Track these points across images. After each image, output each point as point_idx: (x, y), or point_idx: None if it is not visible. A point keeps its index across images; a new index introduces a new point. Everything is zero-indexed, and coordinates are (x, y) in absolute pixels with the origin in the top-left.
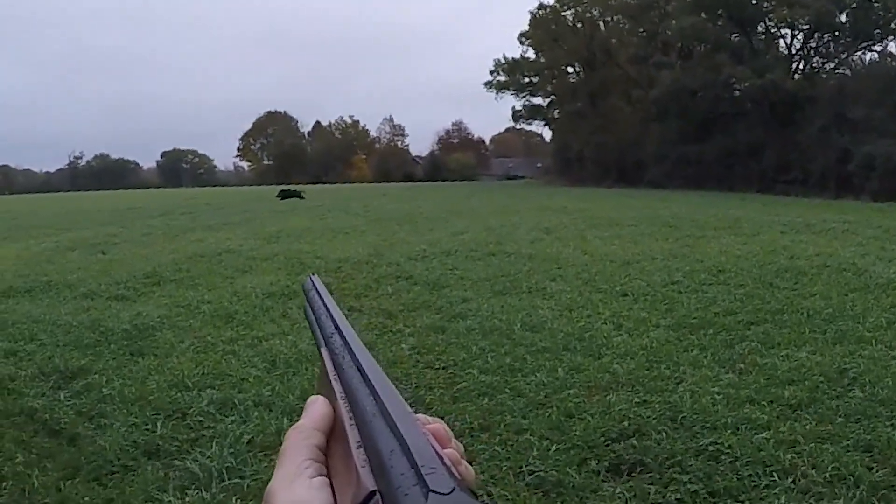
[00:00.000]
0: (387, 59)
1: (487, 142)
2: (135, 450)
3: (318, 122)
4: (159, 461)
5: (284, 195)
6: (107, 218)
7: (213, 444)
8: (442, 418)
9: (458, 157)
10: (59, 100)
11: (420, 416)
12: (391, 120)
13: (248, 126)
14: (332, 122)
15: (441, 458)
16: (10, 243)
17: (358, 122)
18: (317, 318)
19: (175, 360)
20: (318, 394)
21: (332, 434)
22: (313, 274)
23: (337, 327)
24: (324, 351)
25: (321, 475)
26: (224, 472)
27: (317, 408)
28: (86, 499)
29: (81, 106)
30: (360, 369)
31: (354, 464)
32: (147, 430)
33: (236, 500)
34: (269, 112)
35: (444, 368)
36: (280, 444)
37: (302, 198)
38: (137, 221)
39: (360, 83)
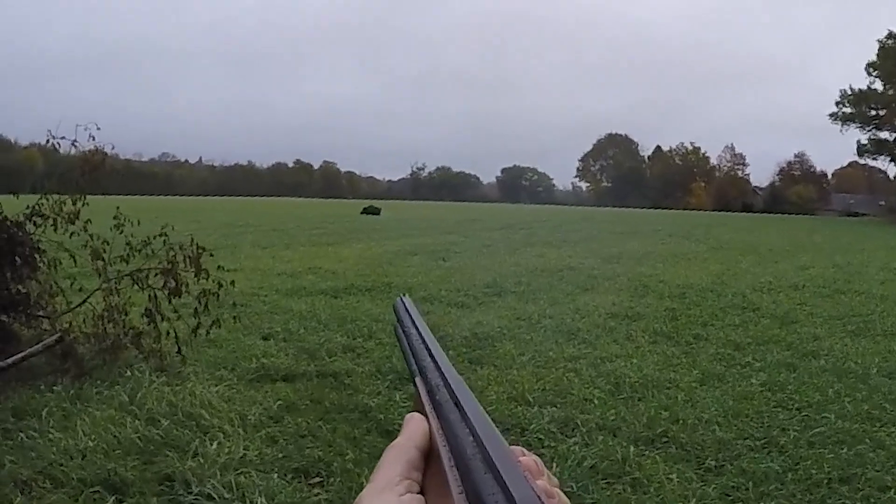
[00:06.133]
0: (730, 87)
1: (829, 176)
2: None
3: (658, 147)
4: None
5: (367, 211)
6: (447, 227)
7: (553, 465)
8: (797, 464)
9: (798, 189)
10: (409, 112)
11: (514, 448)
12: (732, 148)
13: (589, 147)
14: (673, 147)
15: None
16: (353, 244)
17: (699, 148)
18: (409, 344)
19: (515, 372)
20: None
21: (430, 454)
22: (404, 295)
23: (431, 356)
24: (418, 380)
25: (412, 492)
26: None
27: (414, 425)
28: None
29: (428, 120)
30: (457, 404)
31: None
32: None
33: None
34: (610, 134)
35: (797, 409)
36: (624, 472)
37: (379, 213)
38: (478, 233)
39: (703, 110)
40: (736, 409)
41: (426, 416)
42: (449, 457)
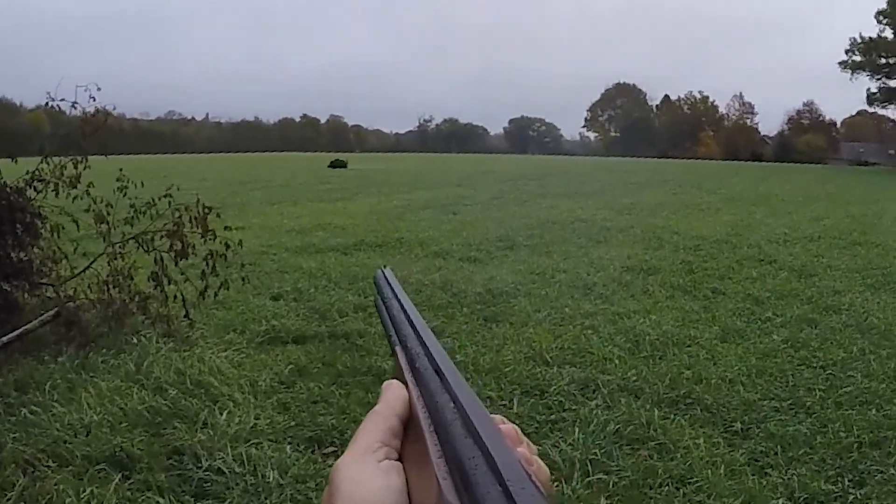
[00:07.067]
0: (739, 36)
1: (839, 125)
2: None
3: (666, 96)
4: None
5: (334, 165)
6: (456, 179)
7: (576, 429)
8: (825, 426)
9: (807, 139)
10: (416, 65)
11: (494, 416)
12: (741, 97)
13: (597, 97)
14: (681, 96)
15: (529, 475)
16: (363, 199)
17: (707, 97)
18: (389, 314)
19: (531, 330)
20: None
21: (409, 421)
22: (385, 266)
23: (412, 325)
24: (398, 349)
25: (391, 459)
26: (588, 463)
27: (392, 392)
28: None
29: (434, 72)
30: (437, 372)
31: (435, 473)
32: (503, 405)
33: (603, 500)
34: (618, 83)
35: (821, 367)
36: (649, 437)
37: (346, 167)
38: (487, 185)
39: (712, 60)
40: (759, 368)
41: (406, 384)
42: (429, 423)
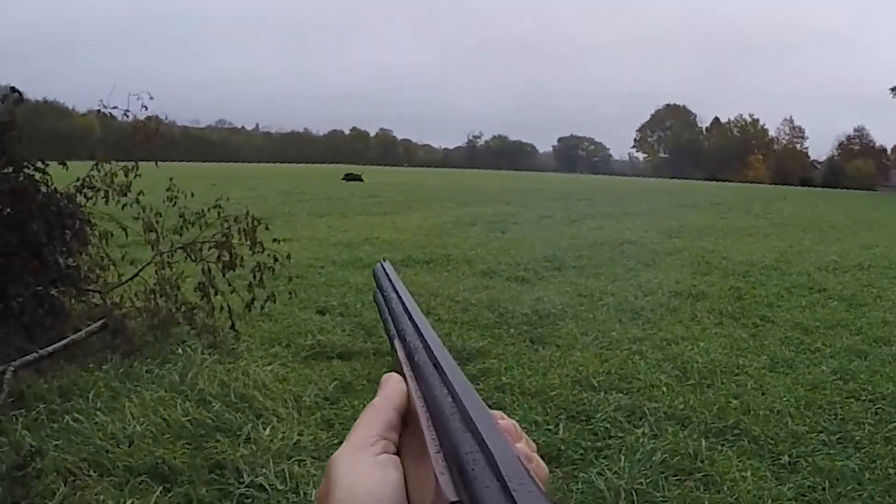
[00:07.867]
0: (789, 58)
1: (889, 151)
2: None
3: (716, 118)
4: (561, 469)
5: (348, 178)
6: (505, 197)
7: (621, 457)
8: (874, 462)
9: (857, 164)
10: (463, 81)
11: (493, 412)
12: (791, 121)
13: (646, 118)
14: (731, 118)
15: (528, 471)
16: (412, 213)
17: (757, 120)
18: (388, 308)
19: (578, 353)
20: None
21: (408, 415)
22: (384, 259)
23: (411, 319)
24: (396, 343)
25: (388, 452)
26: (633, 493)
27: (391, 385)
28: None
29: (484, 89)
30: (436, 366)
31: (433, 468)
32: (549, 430)
33: None
34: (668, 105)
35: (870, 401)
36: (696, 468)
37: (362, 180)
38: (536, 203)
39: (761, 81)
40: (808, 399)
41: (404, 377)
42: (427, 416)
